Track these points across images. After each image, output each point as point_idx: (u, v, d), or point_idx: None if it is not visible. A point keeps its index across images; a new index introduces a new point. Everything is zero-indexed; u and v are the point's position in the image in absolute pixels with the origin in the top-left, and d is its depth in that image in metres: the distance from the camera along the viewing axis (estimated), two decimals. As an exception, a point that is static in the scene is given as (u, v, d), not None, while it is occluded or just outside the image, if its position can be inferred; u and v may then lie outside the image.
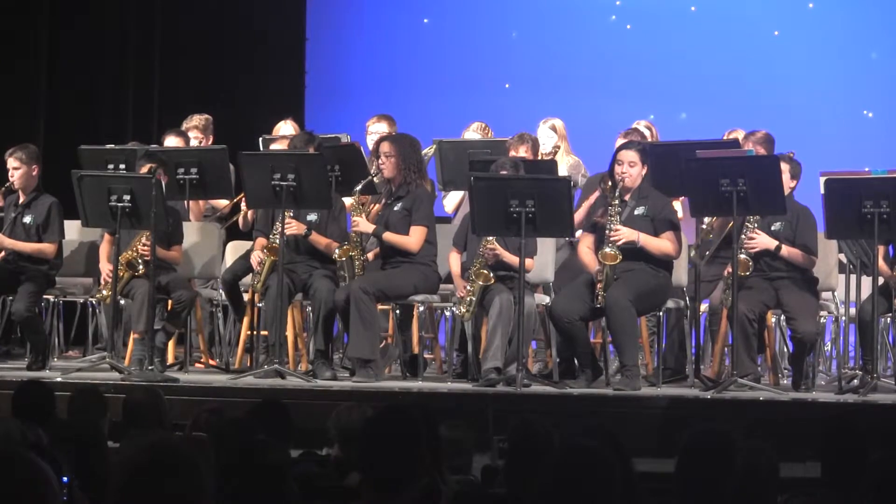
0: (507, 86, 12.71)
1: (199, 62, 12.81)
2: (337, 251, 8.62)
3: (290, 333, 8.78)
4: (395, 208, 8.63)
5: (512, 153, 9.17)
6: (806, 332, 8.11)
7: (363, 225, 8.66)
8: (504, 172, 8.34)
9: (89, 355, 9.56)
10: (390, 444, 3.94)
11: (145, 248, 8.52)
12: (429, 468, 4.05)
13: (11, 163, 9.07)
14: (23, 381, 6.39)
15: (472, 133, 9.95)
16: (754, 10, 12.41)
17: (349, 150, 9.41)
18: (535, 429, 4.71)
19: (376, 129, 9.79)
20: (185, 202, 9.38)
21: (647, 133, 9.72)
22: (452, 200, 9.85)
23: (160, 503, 2.75)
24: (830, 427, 5.09)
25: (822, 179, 8.22)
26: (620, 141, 9.14)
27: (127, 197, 8.32)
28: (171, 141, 9.91)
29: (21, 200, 9.11)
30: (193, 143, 9.97)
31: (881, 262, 8.18)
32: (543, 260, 8.68)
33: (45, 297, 9.17)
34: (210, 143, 9.96)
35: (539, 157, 9.47)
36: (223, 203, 9.76)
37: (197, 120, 10.11)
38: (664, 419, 7.51)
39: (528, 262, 8.13)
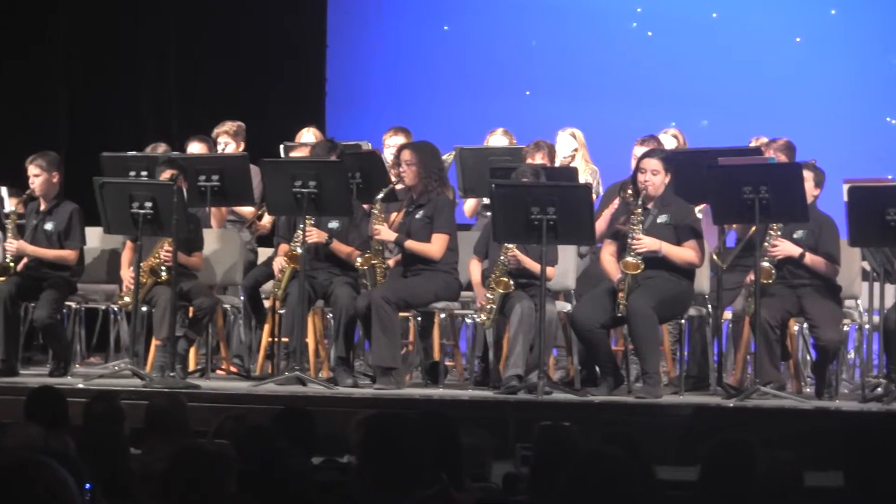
0: (527, 93, 12.71)
1: (220, 70, 12.85)
2: (359, 259, 8.62)
3: (310, 340, 8.78)
4: (417, 216, 8.62)
5: (529, 160, 9.15)
6: (829, 340, 8.07)
7: (385, 233, 8.65)
8: (525, 180, 8.32)
9: (111, 362, 9.57)
10: (389, 453, 3.90)
11: (167, 254, 8.53)
12: (438, 475, 4.01)
13: (32, 170, 9.09)
14: (35, 387, 6.38)
15: (499, 137, 9.91)
16: (776, 17, 12.37)
17: (370, 157, 9.42)
18: (561, 435, 4.69)
19: (393, 141, 9.76)
20: (207, 209, 9.38)
21: (674, 141, 9.68)
22: (469, 204, 9.83)
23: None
24: (853, 435, 5.06)
25: (846, 187, 8.19)
26: (637, 148, 9.12)
27: (148, 204, 8.35)
28: (195, 147, 9.93)
29: (42, 207, 9.13)
30: (228, 148, 9.94)
31: (904, 270, 8.15)
32: (564, 267, 8.66)
33: (66, 303, 9.20)
34: (241, 149, 9.94)
35: (557, 164, 9.44)
36: (248, 210, 9.75)
37: (228, 126, 10.06)
38: (686, 427, 7.48)
39: (549, 269, 8.11)
